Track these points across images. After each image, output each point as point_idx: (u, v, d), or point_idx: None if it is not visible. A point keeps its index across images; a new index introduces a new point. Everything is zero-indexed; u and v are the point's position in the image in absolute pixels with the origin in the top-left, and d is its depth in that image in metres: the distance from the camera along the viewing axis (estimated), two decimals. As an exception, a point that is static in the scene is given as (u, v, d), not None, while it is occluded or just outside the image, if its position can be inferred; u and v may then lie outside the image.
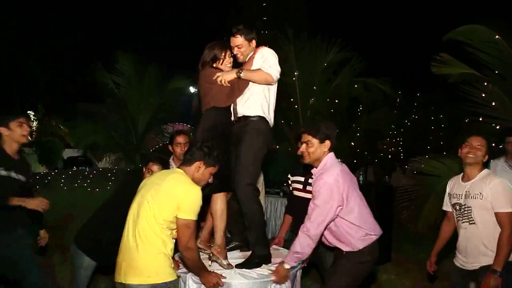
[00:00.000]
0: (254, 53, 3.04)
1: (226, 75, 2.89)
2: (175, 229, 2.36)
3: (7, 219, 3.01)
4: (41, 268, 3.16)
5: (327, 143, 2.71)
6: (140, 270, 2.27)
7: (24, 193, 3.09)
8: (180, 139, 3.86)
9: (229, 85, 2.89)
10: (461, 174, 2.99)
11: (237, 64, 3.14)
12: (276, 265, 2.84)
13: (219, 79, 2.87)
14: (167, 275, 2.33)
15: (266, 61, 2.95)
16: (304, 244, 2.63)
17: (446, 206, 3.11)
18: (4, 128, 3.01)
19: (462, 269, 2.93)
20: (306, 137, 2.74)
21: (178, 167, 2.55)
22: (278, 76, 2.96)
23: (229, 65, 3.04)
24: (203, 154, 2.49)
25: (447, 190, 3.09)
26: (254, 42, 3.07)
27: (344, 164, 2.83)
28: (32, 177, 3.41)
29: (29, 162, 3.47)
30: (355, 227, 2.71)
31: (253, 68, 2.95)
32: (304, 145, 2.75)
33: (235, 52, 3.06)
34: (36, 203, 2.97)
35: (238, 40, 3.01)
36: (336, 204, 2.62)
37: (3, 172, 2.96)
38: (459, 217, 2.93)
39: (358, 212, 2.72)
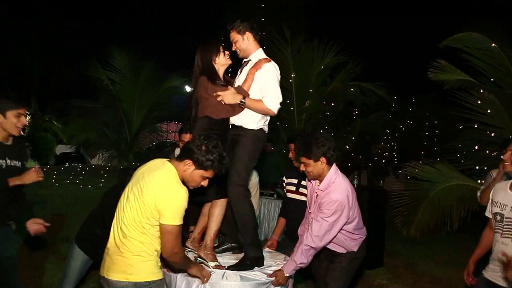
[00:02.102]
0: (257, 66, 2.88)
1: (227, 97, 2.77)
2: (158, 230, 2.24)
3: (1, 213, 2.82)
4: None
5: (323, 159, 2.69)
6: (123, 266, 2.20)
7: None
8: (187, 137, 3.78)
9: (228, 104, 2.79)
10: (509, 182, 2.72)
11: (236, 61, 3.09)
12: (269, 267, 2.84)
13: (219, 98, 2.76)
14: (151, 275, 2.24)
15: (270, 90, 2.84)
16: (308, 255, 2.69)
17: (488, 213, 2.79)
18: None
19: (492, 283, 2.63)
20: (301, 158, 2.74)
21: (171, 160, 2.34)
22: (278, 108, 2.88)
23: (228, 58, 2.94)
24: (196, 153, 2.23)
25: (490, 196, 2.79)
26: (248, 34, 2.94)
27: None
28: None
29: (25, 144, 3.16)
30: (352, 234, 2.83)
31: (252, 85, 2.86)
32: (302, 165, 2.76)
33: (233, 49, 2.98)
34: (33, 176, 2.75)
35: (232, 35, 2.96)
36: (345, 220, 2.69)
37: None
38: (498, 229, 2.64)
39: (357, 221, 2.83)
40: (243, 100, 2.81)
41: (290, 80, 8.18)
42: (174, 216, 2.17)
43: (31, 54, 22.39)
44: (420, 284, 5.13)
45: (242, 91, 2.84)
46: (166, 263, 2.46)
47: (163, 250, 2.26)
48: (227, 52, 2.96)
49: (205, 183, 2.33)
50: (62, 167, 15.63)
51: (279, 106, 2.89)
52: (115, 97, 9.27)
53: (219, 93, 2.77)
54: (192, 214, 2.40)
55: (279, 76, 2.94)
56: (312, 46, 8.41)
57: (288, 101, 8.45)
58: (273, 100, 2.85)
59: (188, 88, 11.61)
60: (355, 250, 2.88)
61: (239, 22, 2.94)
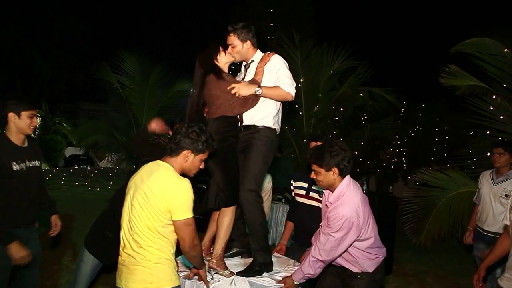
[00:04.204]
0: (263, 60, 2.90)
1: (243, 89, 2.72)
2: (172, 231, 2.23)
3: (26, 213, 2.95)
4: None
5: (335, 170, 2.53)
6: (143, 276, 2.18)
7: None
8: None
9: (242, 97, 2.75)
10: None
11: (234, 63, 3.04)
12: (278, 273, 2.81)
13: (234, 91, 2.71)
14: (170, 282, 2.22)
15: (282, 76, 2.84)
16: (315, 267, 2.60)
17: (506, 220, 2.68)
18: (14, 115, 2.84)
19: None
20: (313, 166, 2.61)
21: (163, 159, 2.33)
22: (295, 92, 2.86)
23: (229, 55, 2.89)
24: (190, 142, 2.26)
25: (510, 203, 2.67)
26: (249, 43, 2.90)
27: (357, 183, 2.71)
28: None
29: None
30: (368, 254, 2.66)
31: (264, 78, 2.84)
32: (312, 173, 2.63)
33: (229, 52, 2.88)
34: None
35: (231, 39, 2.87)
36: (354, 237, 2.54)
37: (16, 167, 2.82)
38: None
39: (373, 240, 2.66)
40: (259, 88, 2.75)
41: (299, 85, 8.15)
42: (187, 210, 2.19)
43: (42, 56, 22.67)
44: (430, 292, 5.05)
45: (256, 83, 2.80)
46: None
47: (183, 245, 2.25)
48: (227, 51, 2.89)
49: (202, 165, 2.38)
50: (71, 169, 15.74)
51: (295, 90, 2.86)
52: (125, 100, 9.35)
53: (233, 85, 2.71)
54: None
55: (287, 65, 2.93)
56: (321, 51, 8.41)
57: (297, 106, 8.44)
58: (289, 83, 2.83)
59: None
60: (370, 271, 2.67)
61: (242, 28, 2.88)
